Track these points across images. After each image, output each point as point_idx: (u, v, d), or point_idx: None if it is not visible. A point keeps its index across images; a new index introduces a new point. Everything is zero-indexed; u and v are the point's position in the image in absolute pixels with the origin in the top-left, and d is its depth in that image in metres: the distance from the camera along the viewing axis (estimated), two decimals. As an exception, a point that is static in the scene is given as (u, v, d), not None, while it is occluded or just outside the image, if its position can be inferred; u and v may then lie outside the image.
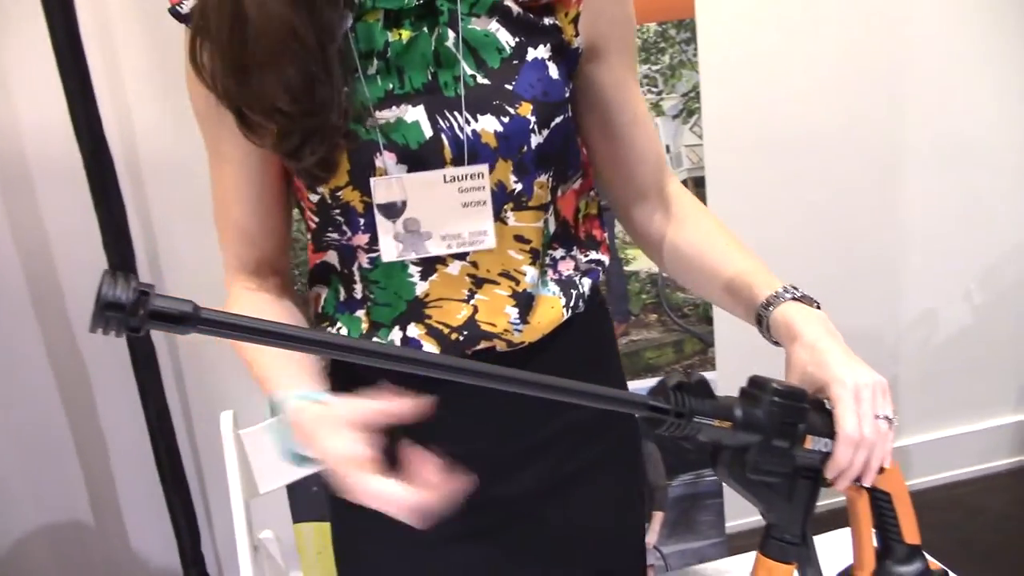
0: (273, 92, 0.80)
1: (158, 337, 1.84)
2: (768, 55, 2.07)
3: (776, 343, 0.90)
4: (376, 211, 0.86)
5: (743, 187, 2.08)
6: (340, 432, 0.68)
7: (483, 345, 0.91)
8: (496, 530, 0.96)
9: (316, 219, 0.90)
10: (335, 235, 0.90)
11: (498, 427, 0.94)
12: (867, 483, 0.81)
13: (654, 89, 1.77)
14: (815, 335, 0.84)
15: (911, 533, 0.86)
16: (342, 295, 0.94)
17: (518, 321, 0.91)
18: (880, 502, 0.85)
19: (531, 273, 0.91)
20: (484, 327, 0.90)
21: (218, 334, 0.60)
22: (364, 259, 0.90)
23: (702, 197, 1.88)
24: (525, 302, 0.91)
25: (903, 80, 2.22)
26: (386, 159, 0.84)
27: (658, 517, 1.96)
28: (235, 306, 0.93)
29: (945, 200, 2.34)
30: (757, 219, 2.12)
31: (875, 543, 0.86)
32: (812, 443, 0.79)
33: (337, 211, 0.88)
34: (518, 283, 0.91)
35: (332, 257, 0.93)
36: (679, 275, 1.03)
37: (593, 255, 0.99)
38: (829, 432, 0.80)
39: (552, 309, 0.93)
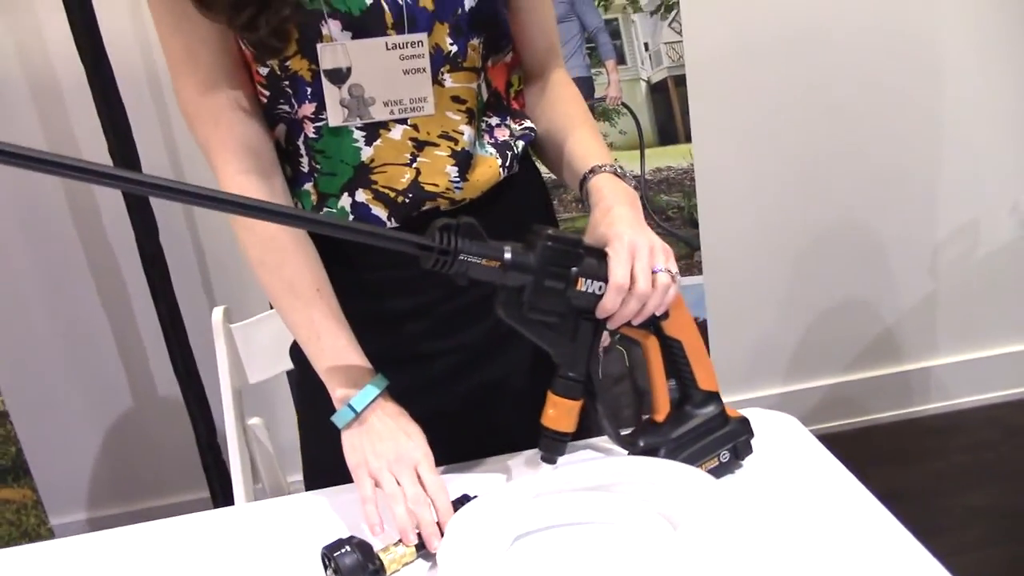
0: None
1: (170, 241, 1.98)
2: None
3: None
4: (323, 77, 0.92)
5: (727, 85, 2.02)
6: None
7: (428, 206, 0.97)
8: (438, 385, 1.03)
9: (267, 93, 0.96)
10: (285, 107, 0.96)
11: (442, 285, 0.96)
12: (637, 322, 0.83)
13: (630, -16, 1.75)
14: (613, 201, 0.90)
15: (705, 379, 0.87)
16: (288, 172, 1.00)
17: (458, 179, 0.98)
18: (673, 350, 0.86)
19: (468, 133, 0.98)
20: (427, 188, 0.97)
21: (13, 164, 0.67)
22: (311, 129, 0.96)
23: (683, 97, 1.85)
24: (464, 161, 0.98)
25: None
26: (331, 27, 0.90)
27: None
28: (234, 190, 0.94)
29: (990, 103, 2.19)
30: (737, 120, 2.07)
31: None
32: (585, 286, 0.81)
33: (286, 82, 0.94)
34: (457, 143, 0.98)
35: (280, 133, 0.99)
36: (540, 153, 1.10)
37: (527, 123, 1.06)
38: (603, 276, 0.82)
39: (489, 168, 1.00)
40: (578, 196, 0.99)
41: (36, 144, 2.04)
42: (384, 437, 0.89)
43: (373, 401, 0.90)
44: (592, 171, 0.94)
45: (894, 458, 2.29)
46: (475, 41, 0.96)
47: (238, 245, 0.97)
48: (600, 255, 0.83)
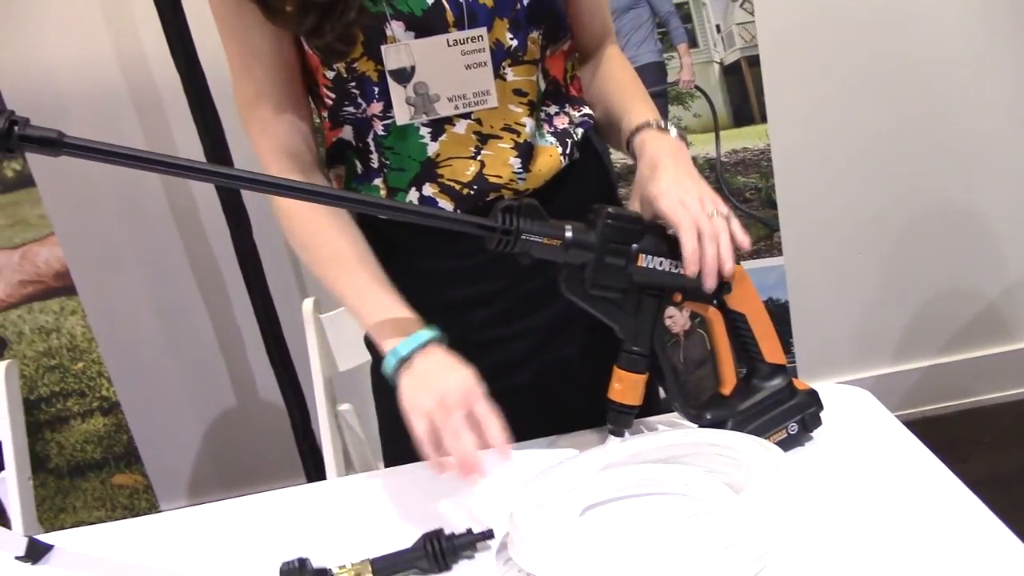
0: None
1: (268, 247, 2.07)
2: None
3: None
4: (389, 77, 0.96)
5: (802, 63, 1.98)
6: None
7: (492, 197, 1.01)
8: (506, 370, 1.06)
9: (333, 95, 1.01)
10: (351, 108, 1.01)
11: (503, 273, 1.02)
12: (727, 272, 0.84)
13: (701, -33, 1.74)
14: (658, 154, 0.92)
15: (771, 352, 0.88)
16: (359, 168, 1.05)
17: (521, 170, 1.01)
18: (738, 323, 0.87)
19: (529, 124, 1.01)
20: (491, 179, 1.00)
21: (85, 156, 0.74)
22: (379, 127, 1.01)
23: (757, 77, 1.83)
24: (526, 152, 1.01)
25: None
26: (395, 27, 0.95)
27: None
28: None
29: None
30: (818, 99, 2.03)
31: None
32: (645, 262, 0.84)
33: (352, 84, 0.99)
34: (519, 135, 1.01)
35: (347, 133, 1.04)
36: (596, 126, 1.12)
37: (585, 110, 1.10)
38: (664, 252, 0.84)
39: (551, 157, 1.03)
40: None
41: (134, 142, 2.15)
42: (432, 374, 0.88)
43: (420, 347, 0.89)
44: (637, 129, 0.97)
45: (1000, 441, 2.22)
46: (534, 34, 0.99)
47: (284, 233, 1.02)
48: (660, 231, 0.85)
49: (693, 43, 1.80)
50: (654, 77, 1.79)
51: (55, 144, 0.70)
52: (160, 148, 2.17)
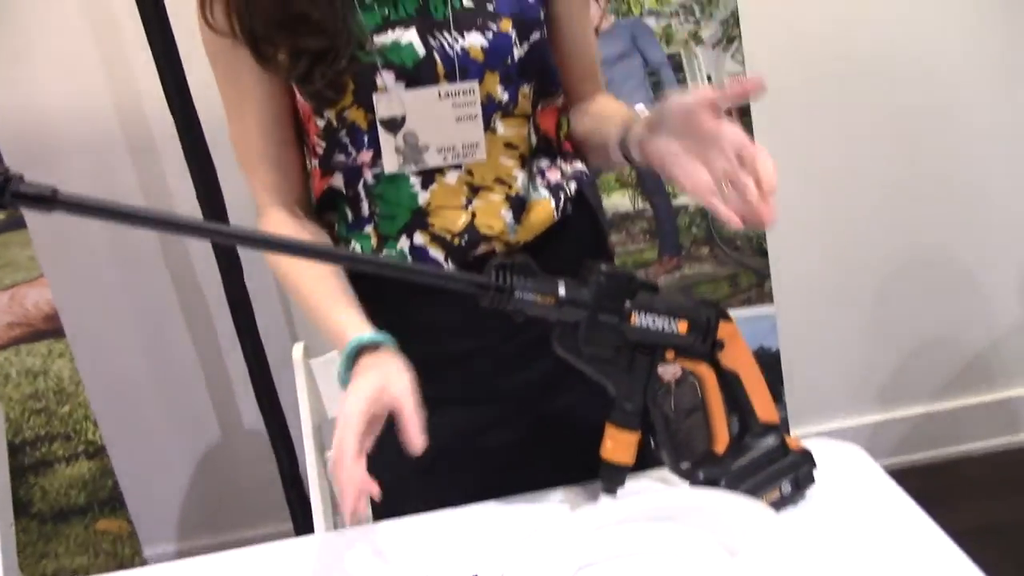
0: (286, 23, 0.92)
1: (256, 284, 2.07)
2: None
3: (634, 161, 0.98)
4: (379, 126, 0.97)
5: (790, 115, 2.01)
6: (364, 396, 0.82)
7: (483, 248, 1.01)
8: (506, 421, 1.06)
9: (323, 143, 1.02)
10: (341, 156, 1.02)
11: (503, 323, 1.00)
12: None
13: (691, 18, 1.77)
14: None
15: (765, 410, 0.88)
16: (350, 216, 1.05)
17: (513, 223, 1.01)
18: (730, 382, 0.87)
19: (521, 178, 1.02)
20: (483, 230, 1.01)
21: (79, 213, 0.74)
22: (369, 175, 1.01)
23: (748, 127, 1.85)
24: (518, 205, 1.02)
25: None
26: (386, 78, 0.96)
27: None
28: (267, 222, 1.05)
29: (1015, 124, 2.12)
30: (807, 148, 2.05)
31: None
32: (639, 320, 0.84)
33: (343, 132, 1.00)
34: (511, 187, 1.02)
35: (338, 180, 1.05)
36: (585, 152, 1.12)
37: (578, 165, 1.10)
38: (658, 309, 0.84)
39: (544, 211, 1.04)
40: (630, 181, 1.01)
41: (131, 193, 2.17)
42: (361, 374, 0.86)
43: (366, 350, 0.88)
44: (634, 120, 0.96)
45: (990, 490, 2.21)
46: (525, 88, 1.00)
47: (273, 272, 1.05)
48: (653, 289, 0.85)
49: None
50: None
51: (49, 201, 0.70)
52: (154, 193, 2.17)
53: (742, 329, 0.88)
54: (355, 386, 0.85)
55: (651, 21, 1.79)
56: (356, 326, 0.92)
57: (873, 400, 2.32)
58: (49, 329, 1.96)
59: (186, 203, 2.06)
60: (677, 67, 1.80)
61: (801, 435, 2.18)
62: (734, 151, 0.82)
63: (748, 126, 1.84)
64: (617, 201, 1.82)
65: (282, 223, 1.05)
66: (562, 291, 0.82)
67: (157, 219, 0.75)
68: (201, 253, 2.15)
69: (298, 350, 1.51)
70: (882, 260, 2.17)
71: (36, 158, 2.07)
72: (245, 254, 1.94)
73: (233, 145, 1.06)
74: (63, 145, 2.11)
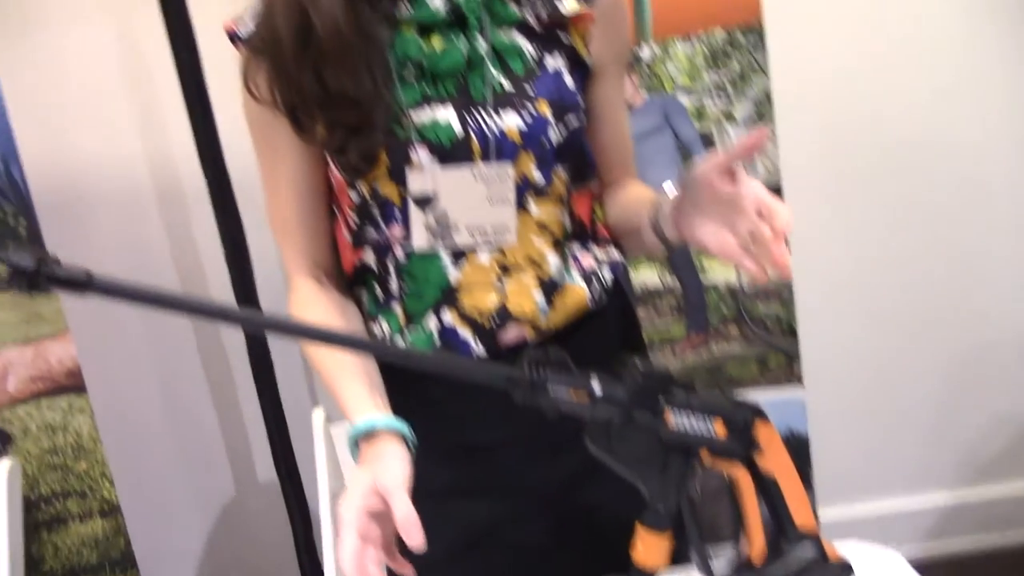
0: (325, 95, 0.93)
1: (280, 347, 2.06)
2: (842, 57, 1.98)
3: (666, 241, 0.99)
4: (410, 202, 0.98)
5: (823, 196, 2.00)
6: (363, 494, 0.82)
7: (514, 334, 1.00)
8: (534, 515, 1.04)
9: (356, 217, 1.02)
10: (373, 231, 1.02)
11: (533, 416, 1.02)
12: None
13: (724, 96, 1.77)
14: None
15: (803, 517, 0.84)
16: (379, 293, 1.05)
17: (545, 305, 1.00)
18: (768, 487, 0.84)
19: (554, 261, 1.01)
20: (514, 312, 0.99)
21: (112, 298, 0.74)
22: (399, 251, 1.01)
23: (779, 205, 1.84)
24: (551, 288, 1.01)
25: (990, 82, 2.04)
26: (420, 154, 0.96)
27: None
28: (298, 295, 1.05)
29: None
30: (838, 228, 2.03)
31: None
32: (675, 419, 0.81)
33: (376, 206, 1.00)
34: (543, 269, 1.01)
35: (368, 256, 1.05)
36: (617, 235, 1.11)
37: (613, 252, 1.09)
38: (694, 409, 0.82)
39: (576, 297, 1.03)
40: (660, 256, 1.01)
41: (158, 245, 2.18)
42: (360, 467, 0.87)
43: (367, 437, 0.88)
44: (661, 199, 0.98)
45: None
46: (560, 170, 1.00)
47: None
48: (690, 388, 0.83)
49: (716, 170, 1.81)
50: (676, 202, 1.79)
51: (83, 285, 0.69)
52: (180, 248, 2.18)
53: (770, 412, 0.85)
54: (352, 482, 0.85)
55: (683, 98, 1.79)
56: (363, 408, 0.91)
57: (902, 484, 2.26)
58: (71, 384, 1.96)
59: (212, 257, 2.06)
60: (709, 144, 1.81)
61: (827, 518, 2.14)
62: (755, 209, 0.83)
63: (780, 205, 1.83)
64: (645, 276, 1.80)
65: (311, 298, 1.04)
66: (596, 388, 0.80)
67: (190, 305, 0.74)
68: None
69: (318, 417, 1.49)
70: (913, 344, 2.14)
71: (66, 207, 2.10)
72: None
73: (267, 211, 1.07)
74: (93, 195, 2.13)
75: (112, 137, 2.09)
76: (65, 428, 1.96)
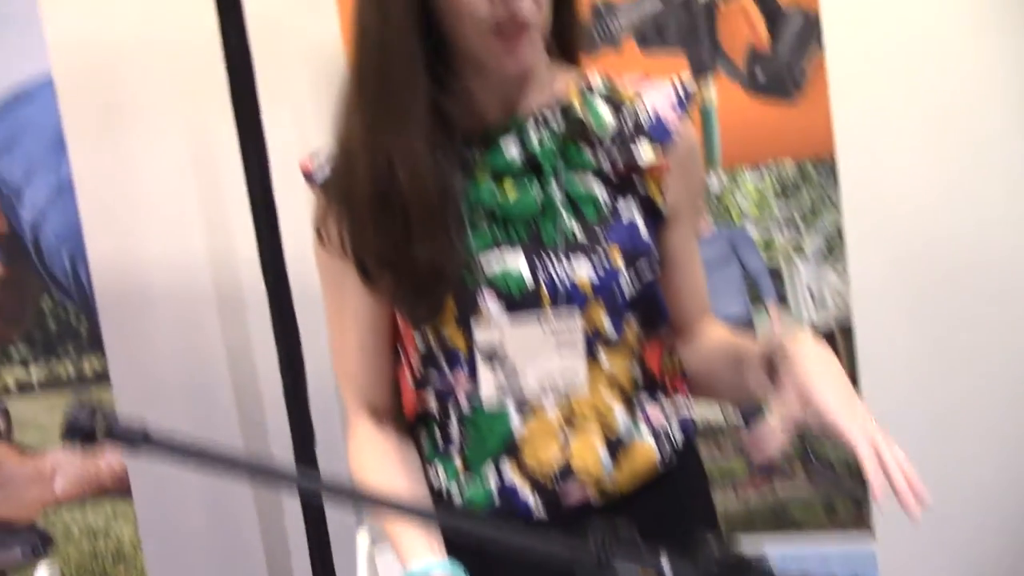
0: (399, 255, 0.92)
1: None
2: (917, 192, 1.92)
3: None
4: (477, 354, 0.95)
5: (898, 331, 1.92)
6: None
7: (576, 494, 0.96)
8: None
9: (420, 362, 1.00)
10: (437, 377, 1.00)
11: None
12: (918, 487, 0.81)
13: (794, 229, 1.74)
14: (812, 361, 0.86)
15: None
16: (439, 438, 1.02)
17: (610, 464, 0.96)
18: None
19: (622, 417, 0.97)
20: (578, 472, 0.95)
21: (166, 456, 0.72)
22: (463, 400, 0.98)
23: (850, 346, 1.78)
24: (617, 446, 0.97)
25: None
26: (489, 303, 0.94)
27: None
28: (356, 440, 1.04)
29: None
30: (917, 367, 1.95)
31: None
32: (755, 611, 0.75)
33: (441, 353, 0.98)
34: (610, 426, 0.97)
35: (431, 400, 1.02)
36: (699, 386, 1.06)
37: (684, 407, 1.04)
38: None
39: (645, 456, 0.98)
40: (749, 396, 0.95)
41: (214, 347, 2.18)
42: None
43: None
44: (771, 342, 0.91)
45: None
46: (632, 321, 0.97)
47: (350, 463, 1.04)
48: (767, 572, 0.77)
49: (783, 303, 1.77)
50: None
51: (139, 443, 0.67)
52: (235, 353, 2.19)
53: (838, 564, 0.79)
54: None
55: (751, 230, 1.77)
56: (418, 551, 0.90)
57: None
58: (116, 489, 1.95)
59: (267, 363, 2.06)
60: (776, 277, 1.76)
61: None
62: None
63: (850, 346, 1.77)
64: (706, 411, 1.75)
65: (371, 443, 1.03)
66: (667, 569, 0.74)
67: (247, 466, 0.71)
68: (277, 422, 2.13)
69: (363, 539, 1.44)
70: (996, 495, 2.02)
71: (127, 305, 2.12)
72: (321, 434, 1.91)
73: (329, 344, 1.06)
74: (154, 294, 2.16)
75: (177, 239, 2.13)
76: (107, 533, 1.94)
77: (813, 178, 1.72)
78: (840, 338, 1.75)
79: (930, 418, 1.99)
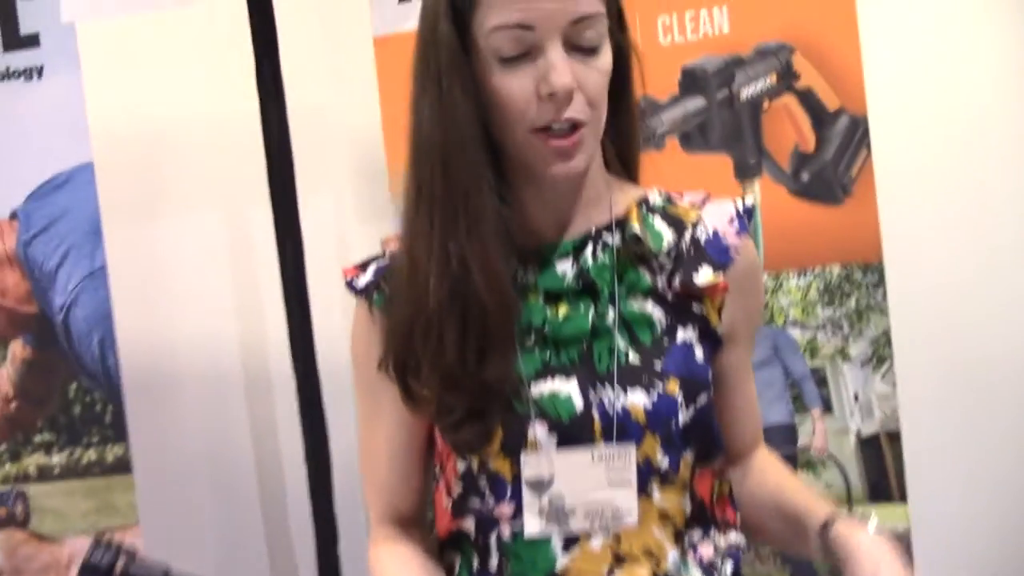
0: (453, 380, 0.87)
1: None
2: (968, 297, 1.88)
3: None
4: (524, 485, 0.90)
5: (947, 446, 1.85)
6: None
7: None
8: None
9: (460, 487, 0.95)
10: (478, 504, 0.94)
11: None
12: None
13: (839, 333, 1.70)
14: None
15: None
16: (475, 565, 0.96)
17: None
18: None
19: (673, 555, 0.92)
20: None
21: None
22: (506, 530, 0.93)
23: (897, 455, 1.72)
24: None
25: None
26: (537, 431, 0.90)
27: None
28: (378, 550, 0.99)
29: None
30: (968, 475, 1.87)
31: None
32: None
33: (485, 480, 0.93)
34: (659, 564, 0.92)
35: (469, 525, 0.96)
36: (745, 523, 1.02)
37: (732, 537, 0.99)
38: None
39: None
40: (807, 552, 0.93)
41: (239, 428, 2.15)
42: None
43: None
44: (830, 521, 0.89)
45: None
46: (687, 455, 0.92)
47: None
48: None
49: (828, 408, 1.73)
50: (783, 440, 1.70)
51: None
52: (261, 437, 2.15)
53: None
54: None
55: (795, 332, 1.73)
56: None
57: None
58: (133, 579, 1.91)
59: (292, 447, 2.02)
60: (821, 382, 1.72)
61: None
62: None
63: (898, 454, 1.71)
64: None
65: (394, 553, 0.98)
66: None
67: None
68: (299, 515, 2.08)
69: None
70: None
71: (154, 385, 2.11)
72: (344, 525, 1.86)
73: (359, 448, 1.02)
74: (181, 373, 2.14)
75: (209, 324, 2.13)
76: (121, 625, 1.89)
77: (859, 282, 1.68)
78: (886, 444, 1.69)
79: (984, 530, 1.91)
